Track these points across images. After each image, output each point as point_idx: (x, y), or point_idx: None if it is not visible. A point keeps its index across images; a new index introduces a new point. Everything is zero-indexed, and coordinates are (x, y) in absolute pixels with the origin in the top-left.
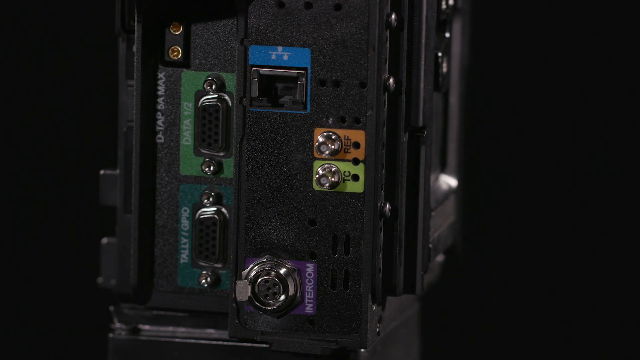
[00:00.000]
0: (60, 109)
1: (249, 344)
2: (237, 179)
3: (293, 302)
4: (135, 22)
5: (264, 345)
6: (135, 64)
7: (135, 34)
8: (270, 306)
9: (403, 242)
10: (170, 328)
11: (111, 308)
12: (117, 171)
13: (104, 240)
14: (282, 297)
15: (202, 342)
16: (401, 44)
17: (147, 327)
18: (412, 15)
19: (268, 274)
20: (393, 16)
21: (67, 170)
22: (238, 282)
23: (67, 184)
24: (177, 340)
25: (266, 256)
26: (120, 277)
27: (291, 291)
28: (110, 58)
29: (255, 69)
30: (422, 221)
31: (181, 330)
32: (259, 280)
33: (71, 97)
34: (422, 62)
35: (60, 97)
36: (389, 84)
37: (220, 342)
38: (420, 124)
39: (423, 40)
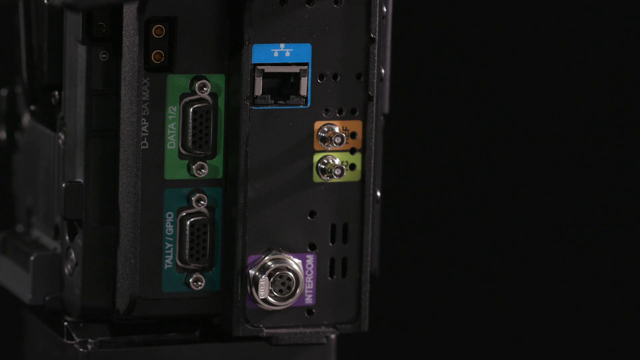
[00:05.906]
0: None
1: (230, 343)
2: (245, 178)
3: (298, 295)
4: (125, 28)
5: (252, 342)
6: (122, 72)
7: (124, 41)
8: (285, 301)
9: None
10: (134, 337)
11: (66, 323)
12: (82, 181)
13: (33, 257)
14: (297, 291)
15: (180, 346)
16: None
17: (108, 338)
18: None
19: (283, 269)
20: (384, 8)
21: None
22: (260, 279)
23: None
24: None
25: (272, 252)
26: (87, 291)
27: (302, 284)
28: None
29: (259, 67)
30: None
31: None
32: (273, 277)
33: None
34: (388, 50)
35: None
36: (382, 73)
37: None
38: (387, 110)
39: (389, 27)
